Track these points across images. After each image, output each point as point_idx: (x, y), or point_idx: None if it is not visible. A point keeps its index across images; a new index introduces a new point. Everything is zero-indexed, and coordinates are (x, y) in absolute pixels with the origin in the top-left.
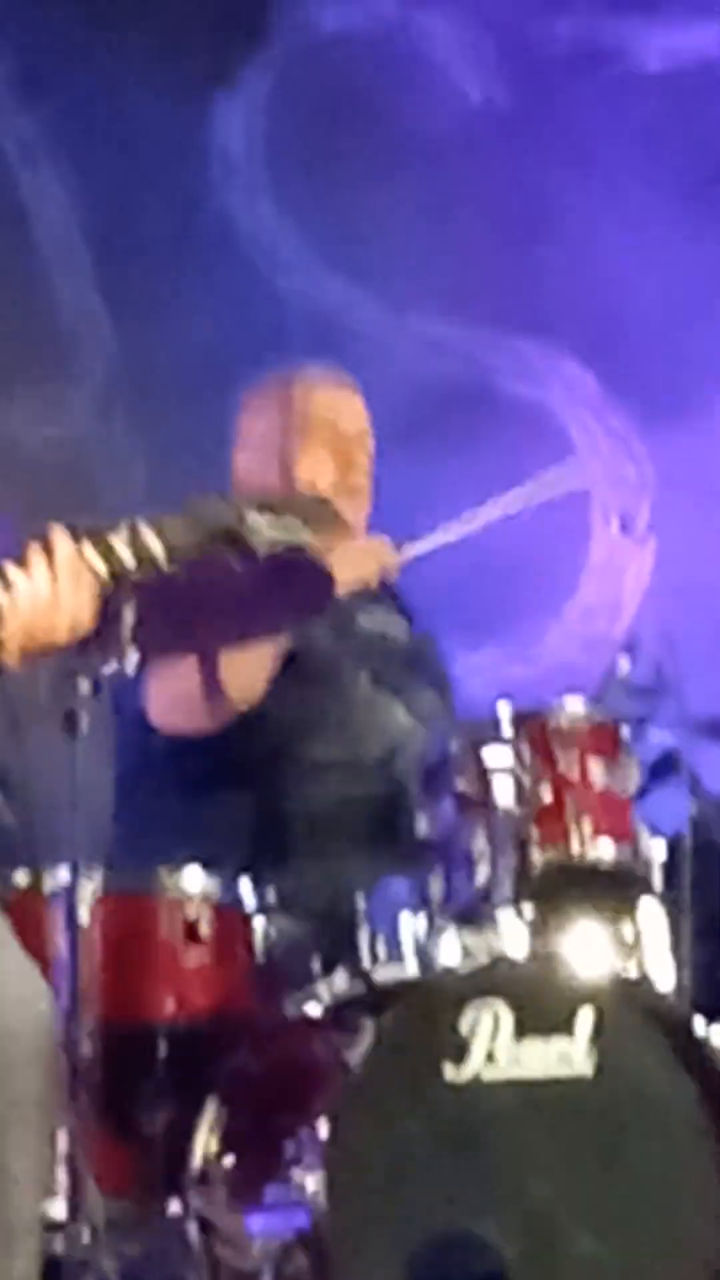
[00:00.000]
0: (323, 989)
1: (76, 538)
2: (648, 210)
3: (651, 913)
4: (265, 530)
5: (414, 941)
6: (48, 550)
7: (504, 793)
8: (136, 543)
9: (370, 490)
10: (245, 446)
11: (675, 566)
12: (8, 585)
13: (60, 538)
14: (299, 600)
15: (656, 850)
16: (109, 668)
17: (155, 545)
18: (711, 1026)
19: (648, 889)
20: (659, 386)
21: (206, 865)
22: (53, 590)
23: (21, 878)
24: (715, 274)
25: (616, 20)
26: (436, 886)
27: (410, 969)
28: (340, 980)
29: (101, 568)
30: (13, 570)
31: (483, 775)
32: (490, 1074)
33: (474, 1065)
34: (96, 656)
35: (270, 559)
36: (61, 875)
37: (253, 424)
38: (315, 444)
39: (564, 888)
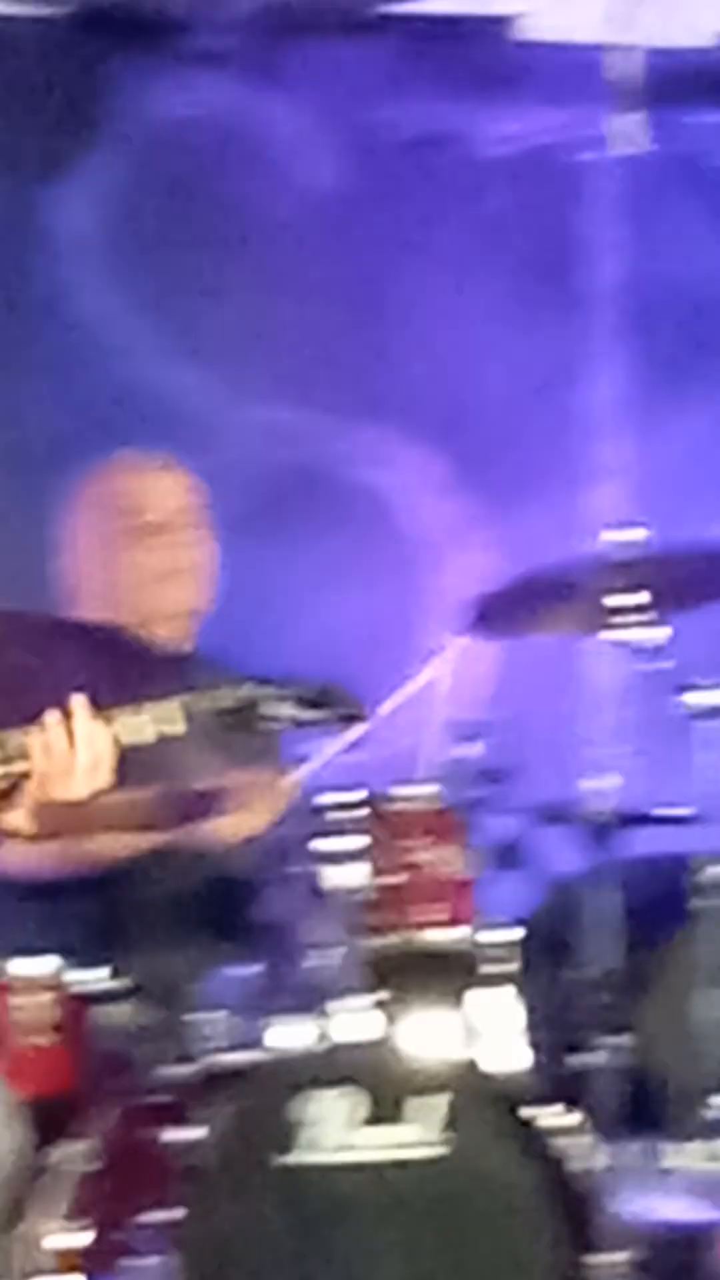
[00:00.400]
0: (164, 1075)
1: (108, 712)
2: (489, 295)
3: (496, 998)
4: (283, 712)
5: (254, 1027)
6: (66, 716)
7: (346, 877)
8: (163, 719)
9: (208, 567)
10: (70, 541)
11: (520, 651)
12: (26, 754)
13: (79, 707)
14: (122, 680)
15: (501, 935)
16: None
17: (179, 721)
18: (554, 1112)
19: (493, 974)
20: (504, 472)
21: (47, 952)
22: (70, 755)
23: None
24: (555, 359)
25: (456, 105)
26: (278, 972)
27: (251, 1055)
28: (182, 1067)
29: (128, 739)
30: (33, 736)
31: (325, 859)
32: (332, 1160)
33: (315, 1151)
34: None
35: (89, 633)
36: None
37: (74, 518)
38: (135, 534)
39: (406, 973)
